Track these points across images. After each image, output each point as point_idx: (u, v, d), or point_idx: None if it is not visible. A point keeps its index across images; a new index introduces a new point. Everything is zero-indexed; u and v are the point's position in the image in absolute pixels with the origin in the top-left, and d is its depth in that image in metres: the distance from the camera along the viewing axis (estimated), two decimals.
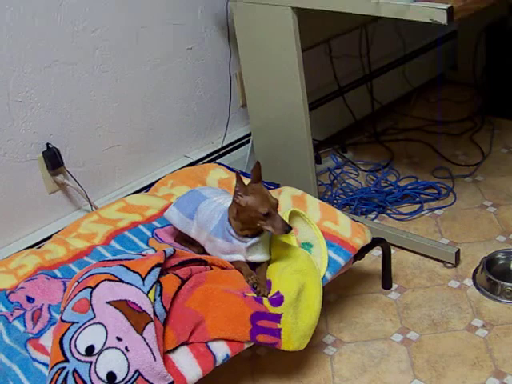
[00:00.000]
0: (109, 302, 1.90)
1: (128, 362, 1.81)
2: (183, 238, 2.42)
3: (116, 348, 1.82)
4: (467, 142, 3.51)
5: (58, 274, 2.34)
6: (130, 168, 2.98)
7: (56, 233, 2.61)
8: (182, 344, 1.97)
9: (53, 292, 2.25)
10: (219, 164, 2.93)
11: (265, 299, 2.07)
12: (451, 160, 3.35)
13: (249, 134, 3.24)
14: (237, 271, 2.19)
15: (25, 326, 2.12)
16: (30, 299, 2.23)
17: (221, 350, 1.98)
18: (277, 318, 2.03)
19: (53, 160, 2.67)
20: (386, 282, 2.57)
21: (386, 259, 2.51)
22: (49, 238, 2.63)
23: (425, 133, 3.63)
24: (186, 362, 1.93)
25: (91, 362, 1.80)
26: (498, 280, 2.47)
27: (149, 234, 2.50)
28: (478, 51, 3.79)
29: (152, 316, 1.89)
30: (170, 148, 3.11)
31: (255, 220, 2.09)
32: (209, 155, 3.19)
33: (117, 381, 1.78)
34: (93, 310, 1.90)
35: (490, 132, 3.56)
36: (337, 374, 2.24)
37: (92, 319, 1.88)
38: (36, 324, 2.11)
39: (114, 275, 1.99)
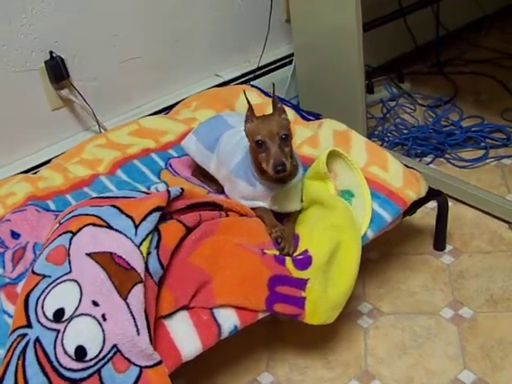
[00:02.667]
0: (89, 254, 1.57)
1: (104, 334, 1.48)
2: (201, 173, 2.17)
3: (90, 315, 1.49)
4: None
5: (52, 206, 2.13)
6: (149, 85, 2.76)
7: (56, 157, 2.41)
8: (182, 308, 1.67)
9: (42, 227, 1.99)
10: (252, 86, 2.70)
11: (288, 260, 1.77)
12: None
13: (291, 54, 3.02)
14: (258, 220, 1.92)
15: (4, 267, 1.87)
16: (14, 235, 2.01)
17: (228, 320, 1.69)
18: (301, 283, 1.73)
19: (57, 71, 2.47)
20: (439, 243, 2.29)
21: (442, 216, 2.22)
22: (48, 162, 2.44)
23: (496, 67, 3.35)
24: (184, 332, 1.64)
25: (58, 331, 1.48)
26: None
27: (162, 164, 2.29)
28: None
29: (142, 275, 1.56)
30: (198, 64, 2.88)
31: (256, 153, 1.80)
32: (243, 75, 2.98)
33: (87, 358, 1.45)
34: (69, 262, 1.58)
35: None
36: (370, 353, 1.95)
37: (66, 274, 1.56)
38: (16, 266, 1.85)
39: (101, 218, 1.66)
